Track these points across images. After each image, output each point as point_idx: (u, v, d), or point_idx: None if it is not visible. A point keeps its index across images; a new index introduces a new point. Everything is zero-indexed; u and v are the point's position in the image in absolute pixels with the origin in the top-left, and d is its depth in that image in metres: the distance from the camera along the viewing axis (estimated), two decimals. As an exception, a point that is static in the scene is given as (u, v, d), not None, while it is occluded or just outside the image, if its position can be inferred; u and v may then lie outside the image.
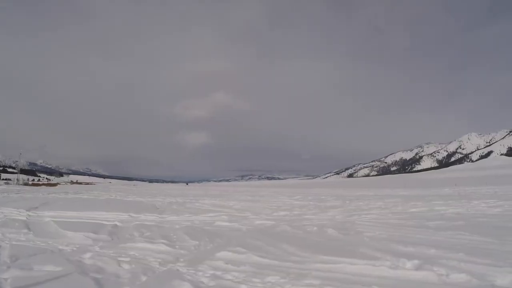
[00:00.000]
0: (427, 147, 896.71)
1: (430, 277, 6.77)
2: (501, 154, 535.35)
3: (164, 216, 17.70)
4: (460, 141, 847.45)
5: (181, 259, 8.61)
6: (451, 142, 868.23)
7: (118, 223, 14.67)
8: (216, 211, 20.71)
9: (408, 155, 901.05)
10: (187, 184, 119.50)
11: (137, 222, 15.20)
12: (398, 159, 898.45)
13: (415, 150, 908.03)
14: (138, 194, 44.26)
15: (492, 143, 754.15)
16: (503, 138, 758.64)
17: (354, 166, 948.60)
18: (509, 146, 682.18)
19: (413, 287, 6.26)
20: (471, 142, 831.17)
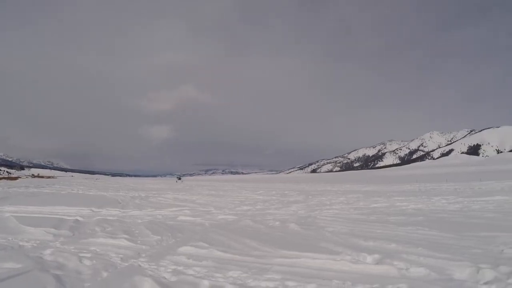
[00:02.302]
0: (390, 144, 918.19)
1: (390, 271, 7.04)
2: (462, 153, 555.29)
3: (127, 211, 17.65)
4: (422, 139, 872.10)
5: (143, 255, 8.65)
6: (413, 139, 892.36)
7: (79, 218, 14.51)
8: (179, 205, 20.81)
9: (371, 152, 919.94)
10: (179, 178, 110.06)
11: (99, 217, 15.12)
12: (361, 156, 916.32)
13: (378, 147, 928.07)
14: (100, 188, 43.83)
15: (453, 142, 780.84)
16: (463, 137, 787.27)
17: (317, 161, 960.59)
18: (470, 145, 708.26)
19: (373, 281, 6.46)
20: (433, 140, 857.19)
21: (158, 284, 6.16)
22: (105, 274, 6.88)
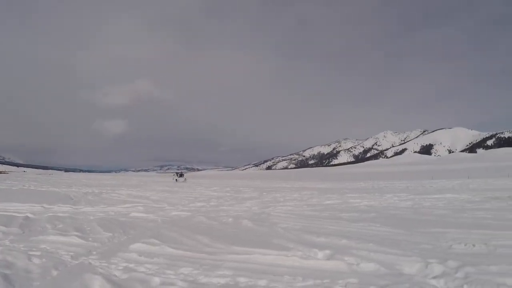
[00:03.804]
0: (345, 143, 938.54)
1: (341, 267, 7.15)
2: (415, 152, 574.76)
3: (79, 207, 17.20)
4: (376, 138, 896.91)
5: (94, 252, 8.46)
6: (367, 138, 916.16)
7: (30, 215, 13.90)
8: (132, 201, 20.59)
9: (326, 150, 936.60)
10: (180, 175, 78.26)
11: (50, 214, 14.59)
12: (316, 153, 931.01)
13: (333, 145, 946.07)
14: (53, 184, 42.43)
15: (407, 141, 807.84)
16: (416, 137, 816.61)
17: (273, 158, 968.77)
18: (422, 144, 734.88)
19: (324, 276, 6.53)
20: (387, 140, 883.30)
21: (108, 282, 6.00)
22: (55, 272, 6.66)
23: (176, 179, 69.39)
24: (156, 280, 6.32)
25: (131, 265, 7.29)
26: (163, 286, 6.10)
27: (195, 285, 6.15)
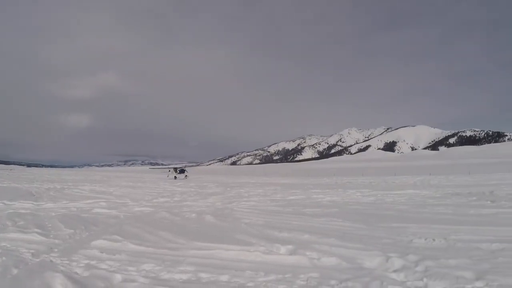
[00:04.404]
0: (309, 139, 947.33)
1: (302, 261, 7.26)
2: (378, 149, 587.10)
3: (40, 203, 16.84)
4: (341, 135, 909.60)
5: (55, 249, 8.32)
6: (332, 135, 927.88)
7: None
8: (95, 197, 20.34)
9: (290, 146, 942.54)
10: (181, 171, 58.72)
11: (11, 210, 14.18)
12: (281, 149, 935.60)
13: (298, 141, 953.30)
14: (14, 179, 41.23)
15: (371, 138, 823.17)
16: (380, 134, 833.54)
17: (237, 154, 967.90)
18: (386, 141, 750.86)
19: (286, 271, 6.63)
20: (351, 136, 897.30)
21: (69, 280, 5.90)
22: (15, 271, 6.49)
23: (175, 176, 57.35)
24: (118, 277, 6.29)
25: (93, 262, 7.24)
26: (125, 283, 6.06)
27: (157, 282, 6.14)
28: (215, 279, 6.29)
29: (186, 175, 58.43)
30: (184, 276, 6.40)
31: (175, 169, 61.00)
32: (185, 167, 64.25)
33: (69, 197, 20.44)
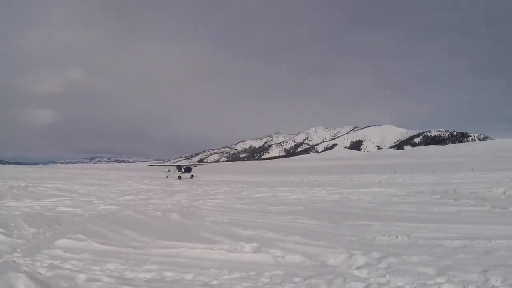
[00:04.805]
0: (276, 137, 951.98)
1: (267, 259, 7.34)
2: (345, 147, 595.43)
3: (3, 202, 16.36)
4: (307, 133, 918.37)
5: (18, 249, 8.12)
6: (299, 133, 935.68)
7: None
8: (59, 195, 19.89)
9: (257, 143, 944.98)
10: (187, 170, 48.78)
11: None
12: (248, 147, 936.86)
13: (265, 139, 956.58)
14: None
15: (337, 137, 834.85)
16: (347, 133, 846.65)
17: (204, 151, 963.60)
18: (352, 140, 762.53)
19: (250, 269, 6.68)
20: (318, 135, 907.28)
21: (32, 280, 5.75)
22: None
23: (179, 176, 47.94)
24: (82, 276, 6.22)
25: (56, 262, 7.14)
26: (89, 283, 5.99)
27: (121, 281, 6.10)
28: (180, 277, 6.30)
29: (192, 175, 48.24)
30: (149, 275, 6.40)
31: (179, 167, 51.00)
32: (190, 164, 52.85)
33: (33, 195, 19.91)
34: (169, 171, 52.38)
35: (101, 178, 44.21)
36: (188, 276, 6.32)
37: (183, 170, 48.88)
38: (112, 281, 6.04)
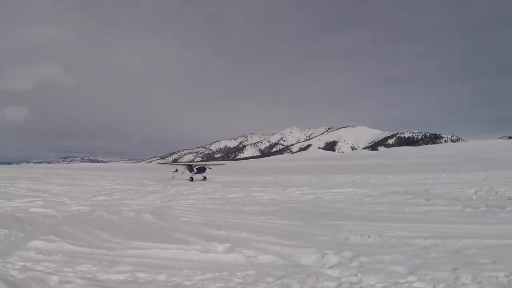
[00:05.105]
0: (251, 137, 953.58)
1: (239, 259, 7.40)
2: (319, 148, 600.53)
3: None
4: (282, 134, 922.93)
5: None
6: (274, 134, 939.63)
7: None
8: (32, 196, 19.54)
9: (232, 144, 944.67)
10: (200, 170, 42.17)
11: None
12: (222, 147, 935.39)
13: (240, 139, 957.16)
14: None
15: (312, 138, 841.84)
16: (321, 134, 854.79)
17: (179, 151, 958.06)
18: (327, 141, 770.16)
19: (223, 269, 6.72)
20: (293, 136, 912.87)
21: (4, 283, 5.66)
22: None
23: (191, 177, 41.45)
24: (54, 278, 6.16)
25: (28, 264, 7.07)
26: (61, 285, 5.94)
27: (94, 282, 6.08)
28: (152, 278, 6.30)
29: (204, 177, 42.30)
30: (121, 277, 6.38)
31: (190, 166, 44.17)
32: (205, 164, 46.24)
33: (5, 195, 19.45)
34: (176, 171, 45.66)
35: (74, 178, 43.44)
36: (161, 277, 6.33)
37: (195, 170, 42.67)
38: (85, 283, 6.01)
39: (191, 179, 40.92)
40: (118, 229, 10.44)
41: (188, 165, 45.06)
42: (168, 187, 28.60)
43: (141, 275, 6.44)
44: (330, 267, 6.74)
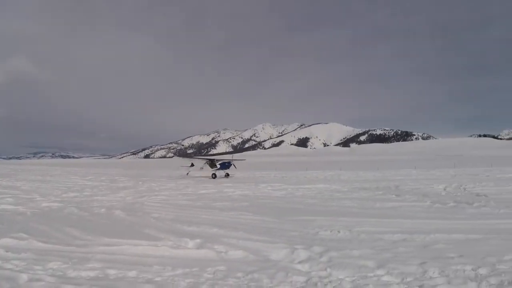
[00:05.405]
0: (224, 133, 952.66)
1: (210, 255, 7.46)
2: (291, 144, 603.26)
3: None
4: (255, 130, 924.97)
5: None
6: (246, 130, 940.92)
7: None
8: (1, 192, 19.16)
9: (205, 139, 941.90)
10: (224, 165, 37.03)
11: None
12: (195, 143, 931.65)
13: (212, 135, 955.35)
14: None
15: (284, 134, 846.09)
16: (294, 130, 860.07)
17: (151, 147, 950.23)
18: (299, 137, 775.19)
19: (193, 265, 6.75)
20: (265, 132, 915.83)
21: None
22: None
23: (214, 174, 36.42)
24: (24, 277, 6.12)
25: None
26: (31, 283, 5.90)
27: (64, 280, 6.03)
28: (123, 275, 6.30)
29: (226, 173, 38.06)
30: (92, 274, 6.37)
31: (212, 161, 38.87)
32: (232, 159, 40.24)
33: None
34: (191, 165, 41.16)
35: (44, 174, 42.65)
36: (132, 274, 6.32)
37: (218, 166, 37.83)
38: (55, 281, 5.97)
39: (214, 176, 36.22)
40: (88, 225, 10.39)
41: (209, 159, 39.48)
42: (140, 183, 28.10)
43: (111, 271, 6.42)
44: (300, 262, 6.86)
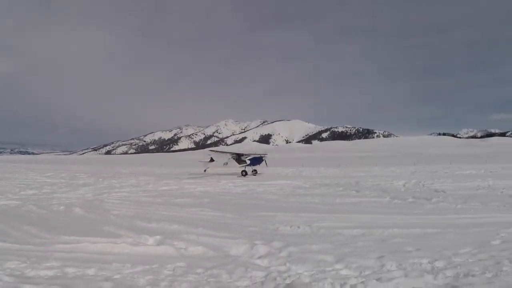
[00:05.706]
0: (186, 129, 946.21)
1: (170, 251, 7.49)
2: (254, 141, 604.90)
3: None
4: (217, 126, 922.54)
5: None
6: (209, 126, 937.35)
7: None
8: None
9: (167, 135, 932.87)
10: (254, 161, 33.16)
11: None
12: (157, 139, 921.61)
13: (174, 131, 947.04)
14: None
15: (247, 130, 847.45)
16: (257, 127, 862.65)
17: (112, 143, 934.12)
18: (262, 134, 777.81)
19: (153, 262, 6.76)
20: (228, 128, 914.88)
21: None
22: None
23: (244, 172, 32.84)
24: None
25: None
26: None
27: (22, 279, 5.95)
28: (82, 273, 6.24)
29: (255, 170, 34.62)
30: (50, 272, 6.29)
31: (239, 155, 35.34)
32: (265, 154, 36.78)
33: None
34: (211, 160, 36.94)
35: (2, 171, 41.44)
36: (90, 272, 6.28)
37: (247, 161, 33.92)
38: (13, 280, 5.89)
39: (245, 173, 32.66)
40: (47, 223, 10.27)
41: (236, 154, 35.73)
42: (100, 179, 27.52)
43: (70, 270, 6.35)
44: (259, 257, 6.95)
